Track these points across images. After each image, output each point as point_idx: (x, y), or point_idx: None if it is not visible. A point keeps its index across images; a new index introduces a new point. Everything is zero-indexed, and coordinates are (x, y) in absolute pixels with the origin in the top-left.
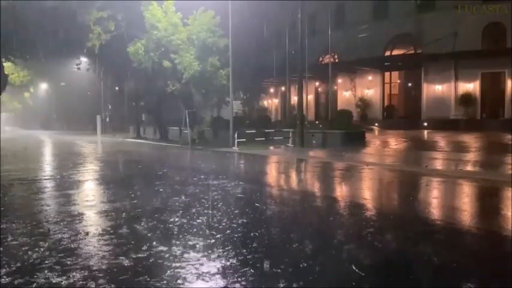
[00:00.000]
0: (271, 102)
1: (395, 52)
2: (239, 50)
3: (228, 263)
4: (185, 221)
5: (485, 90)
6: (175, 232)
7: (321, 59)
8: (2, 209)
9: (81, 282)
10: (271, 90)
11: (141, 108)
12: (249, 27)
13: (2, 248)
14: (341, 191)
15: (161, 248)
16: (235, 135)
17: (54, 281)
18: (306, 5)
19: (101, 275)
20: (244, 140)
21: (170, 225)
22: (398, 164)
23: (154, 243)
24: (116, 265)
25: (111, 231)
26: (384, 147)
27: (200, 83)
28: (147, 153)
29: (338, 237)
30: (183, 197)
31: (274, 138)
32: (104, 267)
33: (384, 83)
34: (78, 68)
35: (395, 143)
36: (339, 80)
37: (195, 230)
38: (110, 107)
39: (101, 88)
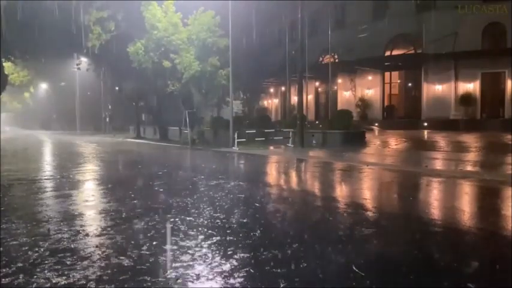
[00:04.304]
0: (271, 102)
1: (395, 52)
2: (239, 50)
3: (228, 263)
4: (185, 221)
5: (485, 90)
6: (175, 232)
7: (321, 59)
8: (2, 209)
9: (81, 282)
10: (271, 90)
11: (141, 108)
12: (249, 27)
13: (2, 248)
14: (341, 191)
15: (161, 248)
16: (235, 135)
17: (54, 281)
18: (306, 5)
19: (101, 275)
20: (244, 140)
21: (170, 225)
22: (398, 164)
23: (154, 243)
24: (116, 265)
25: (111, 231)
26: (384, 147)
27: (200, 83)
28: (147, 154)
29: (338, 237)
30: (183, 197)
31: (274, 138)
32: (104, 267)
33: (384, 83)
34: (78, 68)
35: (395, 143)
36: (339, 80)
37: (195, 229)
38: (110, 107)
39: (101, 88)
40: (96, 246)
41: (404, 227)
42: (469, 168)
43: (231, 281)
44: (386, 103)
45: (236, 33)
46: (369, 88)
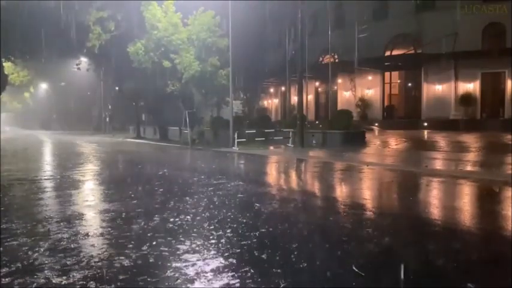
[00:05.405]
0: (271, 102)
1: (395, 52)
2: (239, 50)
3: (228, 263)
4: (185, 221)
5: (485, 90)
6: (175, 232)
7: (321, 59)
8: (2, 209)
9: (81, 282)
10: (271, 90)
11: (141, 108)
12: (249, 27)
13: (2, 248)
14: (341, 191)
15: (161, 248)
16: (235, 135)
17: (54, 281)
18: (306, 5)
19: (101, 275)
20: (244, 140)
21: (170, 225)
22: (398, 164)
23: (154, 243)
24: (116, 265)
25: (111, 231)
26: (384, 147)
27: (200, 83)
28: (147, 154)
29: (338, 237)
30: (183, 197)
31: (274, 138)
32: (104, 267)
33: (384, 83)
34: (78, 68)
35: (395, 143)
36: (339, 80)
37: (194, 230)
38: (110, 107)
39: (101, 88)
40: (96, 246)
41: (405, 226)
42: (469, 168)
43: (231, 281)
44: (386, 103)
45: (236, 33)
46: (369, 88)
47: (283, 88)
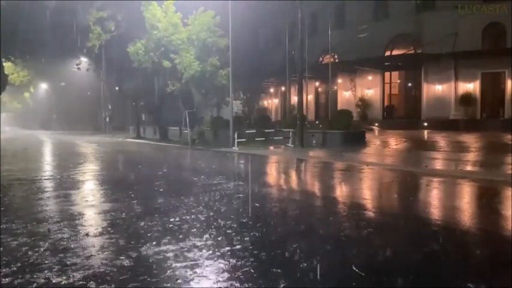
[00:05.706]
0: (271, 102)
1: (395, 52)
2: (239, 50)
3: (228, 263)
4: (185, 221)
5: (485, 90)
6: (175, 232)
7: (321, 59)
8: (2, 209)
9: (81, 282)
10: (271, 90)
11: (141, 108)
12: (249, 27)
13: (2, 248)
14: (341, 191)
15: (161, 248)
16: (235, 135)
17: (54, 281)
18: (306, 5)
19: (101, 275)
20: (244, 140)
21: (170, 225)
22: (398, 164)
23: (154, 243)
24: (116, 265)
25: (111, 231)
26: (384, 147)
27: (200, 83)
28: (147, 154)
29: (339, 237)
30: (183, 197)
31: (274, 138)
32: (104, 267)
33: (384, 83)
34: (78, 68)
35: (395, 143)
36: (339, 80)
37: (194, 230)
38: (110, 107)
39: (101, 88)
40: (96, 246)
41: (405, 226)
42: (469, 168)
43: (231, 280)
44: (386, 103)
45: (236, 33)
46: (369, 88)
47: (283, 88)
